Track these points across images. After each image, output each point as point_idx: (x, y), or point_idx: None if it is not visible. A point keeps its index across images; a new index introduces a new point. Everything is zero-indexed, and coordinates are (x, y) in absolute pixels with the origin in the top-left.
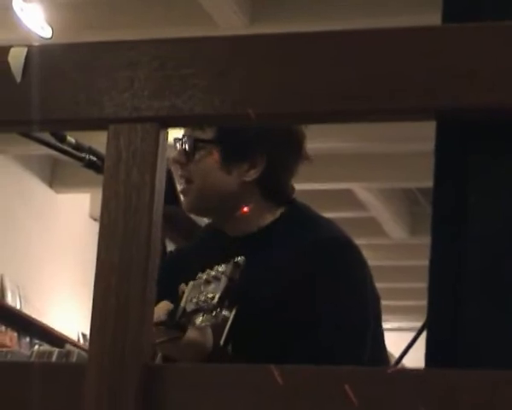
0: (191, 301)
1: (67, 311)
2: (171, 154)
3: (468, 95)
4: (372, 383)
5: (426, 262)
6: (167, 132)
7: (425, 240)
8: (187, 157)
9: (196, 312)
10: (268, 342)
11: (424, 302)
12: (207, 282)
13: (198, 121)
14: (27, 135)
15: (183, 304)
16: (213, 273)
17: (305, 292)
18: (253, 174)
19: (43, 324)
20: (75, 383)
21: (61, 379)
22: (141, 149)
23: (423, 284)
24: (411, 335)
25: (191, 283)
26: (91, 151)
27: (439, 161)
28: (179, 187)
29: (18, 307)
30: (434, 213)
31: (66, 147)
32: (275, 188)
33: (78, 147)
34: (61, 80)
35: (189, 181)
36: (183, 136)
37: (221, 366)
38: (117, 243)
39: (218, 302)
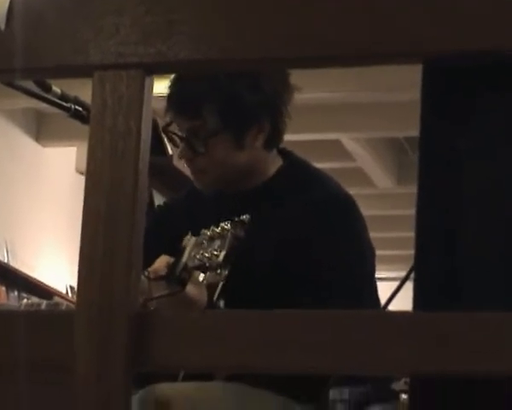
0: (194, 256)
1: (55, 264)
2: (177, 152)
3: (455, 39)
4: (361, 327)
5: (413, 211)
6: (153, 79)
7: (412, 189)
8: (194, 152)
9: (200, 268)
10: (267, 298)
11: (412, 252)
12: (211, 238)
13: (184, 67)
14: (13, 85)
15: (184, 259)
16: (218, 230)
17: (307, 246)
18: (262, 137)
19: (31, 277)
20: (64, 331)
21: (50, 328)
22: (126, 95)
23: (411, 234)
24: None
25: (193, 238)
26: (77, 101)
27: (425, 106)
28: (190, 173)
29: (5, 261)
30: (421, 159)
31: (51, 97)
32: (277, 139)
33: (63, 97)
34: (46, 28)
35: (202, 172)
36: (183, 135)
37: (209, 313)
38: (103, 190)
39: (223, 260)
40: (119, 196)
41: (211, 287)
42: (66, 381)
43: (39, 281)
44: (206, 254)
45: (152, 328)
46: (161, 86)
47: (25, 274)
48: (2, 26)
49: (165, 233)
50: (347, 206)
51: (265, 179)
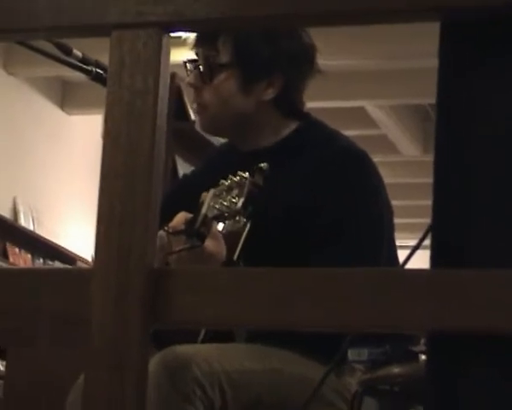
0: (213, 207)
1: (80, 232)
2: (186, 78)
3: None
4: (382, 283)
5: None
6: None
7: None
8: (203, 81)
9: (218, 217)
10: (285, 254)
11: None
12: (230, 188)
13: (201, 26)
14: (34, 48)
15: (204, 211)
16: (236, 179)
17: (322, 202)
18: (270, 93)
19: (56, 245)
20: (82, 288)
21: (68, 285)
22: (144, 54)
23: None
24: (425, 252)
25: (212, 190)
26: (98, 64)
27: (442, 64)
28: (193, 108)
29: (31, 228)
30: (439, 116)
31: (72, 60)
32: (291, 103)
33: (84, 60)
34: None
35: (204, 106)
36: (197, 59)
37: (225, 269)
38: (121, 148)
39: (241, 207)
40: (137, 154)
41: (231, 235)
42: (83, 337)
43: (63, 248)
44: (225, 203)
45: (169, 284)
46: (188, 56)
47: (49, 241)
48: None
49: (186, 204)
50: (363, 161)
51: (279, 139)
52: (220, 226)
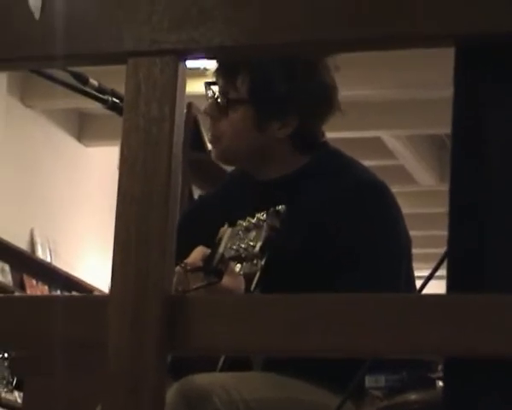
0: (230, 247)
1: (97, 264)
2: (203, 105)
3: (487, 20)
4: (397, 309)
5: None
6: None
7: None
8: (219, 112)
9: (236, 259)
10: (303, 284)
11: None
12: (247, 229)
13: (217, 53)
14: (50, 77)
15: (221, 250)
16: (254, 221)
17: (338, 229)
18: (284, 132)
19: (74, 276)
20: (98, 313)
21: (85, 312)
22: (160, 81)
23: None
24: (440, 282)
25: (229, 229)
26: (114, 93)
27: (457, 91)
28: (208, 137)
29: (48, 260)
30: (454, 144)
31: (88, 89)
32: (306, 141)
33: (100, 89)
34: (79, 16)
35: (218, 138)
36: (216, 93)
37: (240, 296)
38: (137, 175)
39: (259, 251)
40: (154, 181)
41: (247, 277)
42: (100, 363)
43: (80, 279)
44: (243, 245)
45: (185, 310)
46: (202, 84)
47: (66, 273)
48: (37, 16)
49: (201, 226)
50: (382, 191)
51: (295, 168)
52: (237, 267)
